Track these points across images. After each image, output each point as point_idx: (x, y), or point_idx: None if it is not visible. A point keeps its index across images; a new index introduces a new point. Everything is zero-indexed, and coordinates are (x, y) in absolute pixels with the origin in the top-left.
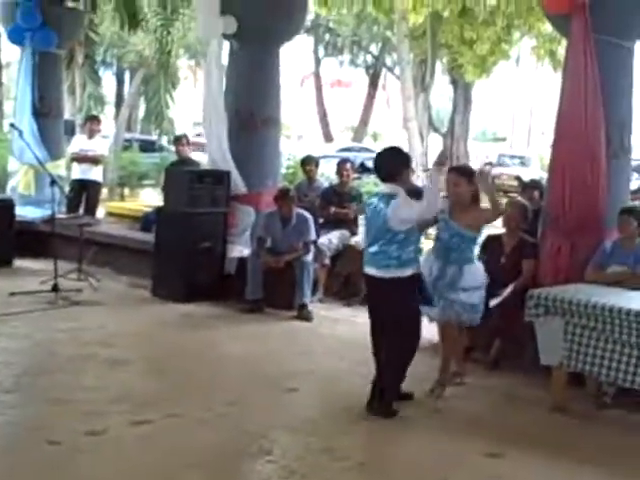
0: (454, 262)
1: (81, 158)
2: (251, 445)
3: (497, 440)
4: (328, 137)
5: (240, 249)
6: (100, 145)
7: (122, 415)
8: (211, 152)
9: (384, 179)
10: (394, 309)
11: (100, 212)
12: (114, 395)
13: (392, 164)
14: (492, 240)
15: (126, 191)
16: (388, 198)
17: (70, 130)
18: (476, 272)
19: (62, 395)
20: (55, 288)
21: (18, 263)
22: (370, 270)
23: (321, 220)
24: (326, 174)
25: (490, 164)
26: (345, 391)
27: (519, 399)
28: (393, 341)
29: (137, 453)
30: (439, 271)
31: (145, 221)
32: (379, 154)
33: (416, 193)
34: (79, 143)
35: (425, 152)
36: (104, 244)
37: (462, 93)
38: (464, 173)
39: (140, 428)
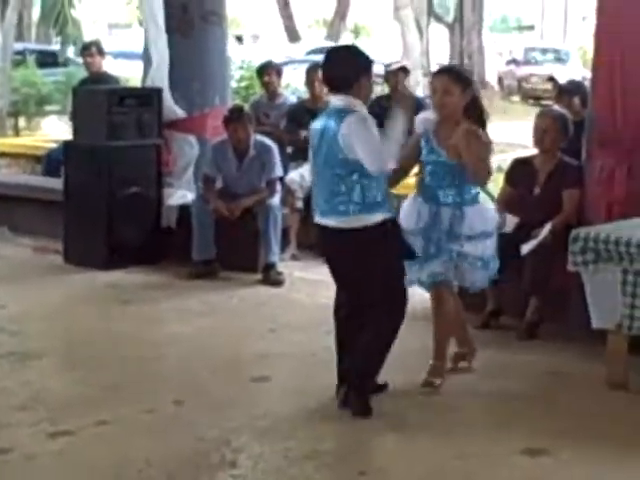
0: (450, 203)
1: None
2: (209, 455)
3: (537, 432)
4: (293, 35)
5: (181, 194)
6: None
7: (33, 426)
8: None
9: (335, 88)
10: (367, 272)
11: None
12: (21, 400)
13: (346, 66)
14: (520, 165)
15: (21, 122)
16: (340, 114)
17: None
18: (483, 213)
19: None
20: None
21: None
22: (324, 220)
23: (289, 149)
24: (292, 85)
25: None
26: (331, 377)
27: (565, 376)
28: (372, 316)
29: (59, 473)
30: (431, 216)
31: (49, 161)
32: (327, 54)
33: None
34: None
35: (426, 50)
36: None
37: None
38: (459, 78)
39: (58, 442)
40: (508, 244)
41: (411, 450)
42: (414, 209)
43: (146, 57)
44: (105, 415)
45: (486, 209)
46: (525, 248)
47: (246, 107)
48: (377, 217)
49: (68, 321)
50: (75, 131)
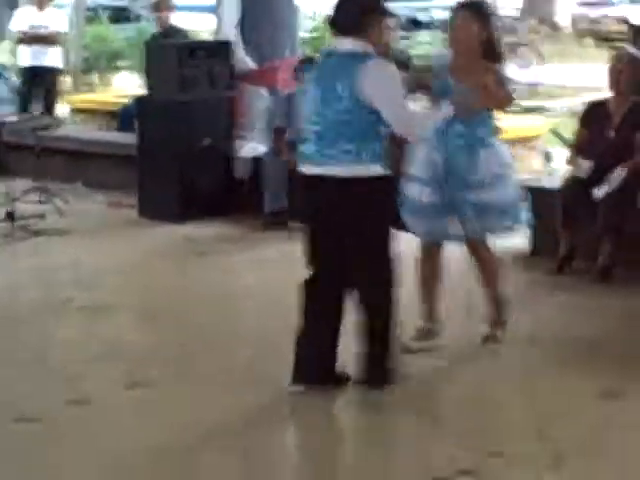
0: (465, 145)
1: (31, 38)
2: (283, 406)
3: (614, 375)
4: None
5: (253, 146)
6: (54, 18)
7: (112, 377)
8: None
9: (343, 30)
10: (369, 229)
11: (63, 109)
12: (99, 352)
13: (356, 6)
14: (595, 108)
15: (95, 78)
16: (357, 57)
17: (11, 1)
18: (499, 154)
19: (31, 355)
20: (10, 216)
21: None
22: (321, 169)
23: None
24: None
25: None
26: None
27: (639, 319)
28: (377, 281)
29: (137, 424)
30: (445, 162)
31: (123, 117)
32: None
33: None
34: (26, 17)
35: None
36: (71, 152)
37: None
38: (478, 12)
39: (137, 392)
40: (582, 188)
41: (481, 396)
42: (426, 156)
43: (218, 10)
44: (182, 367)
45: (502, 149)
46: (598, 192)
47: (316, 57)
48: (379, 169)
49: (144, 274)
50: (148, 86)
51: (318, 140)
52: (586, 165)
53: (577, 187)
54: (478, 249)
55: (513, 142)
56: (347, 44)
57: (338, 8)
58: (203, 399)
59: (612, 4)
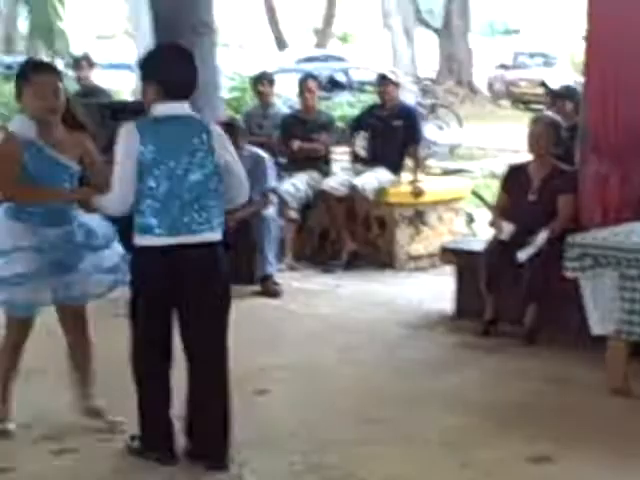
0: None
1: None
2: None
3: (542, 440)
4: (281, 43)
5: None
6: None
7: (37, 444)
8: None
9: (184, 94)
10: (222, 289)
11: None
12: (25, 418)
13: (195, 67)
14: (515, 172)
15: None
16: (198, 122)
17: None
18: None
19: None
20: None
21: None
22: (184, 238)
23: (282, 160)
24: (284, 95)
25: None
26: (332, 389)
27: (566, 382)
28: (221, 343)
29: None
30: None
31: None
32: (169, 53)
33: None
34: None
35: (413, 57)
36: None
37: None
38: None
39: (62, 459)
40: (505, 251)
41: (417, 461)
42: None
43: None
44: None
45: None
46: (522, 255)
47: (238, 118)
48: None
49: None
50: None
51: (181, 207)
52: (508, 228)
53: (501, 250)
54: (83, 317)
55: (436, 204)
56: (182, 109)
57: (179, 66)
58: (132, 460)
59: (527, 67)
